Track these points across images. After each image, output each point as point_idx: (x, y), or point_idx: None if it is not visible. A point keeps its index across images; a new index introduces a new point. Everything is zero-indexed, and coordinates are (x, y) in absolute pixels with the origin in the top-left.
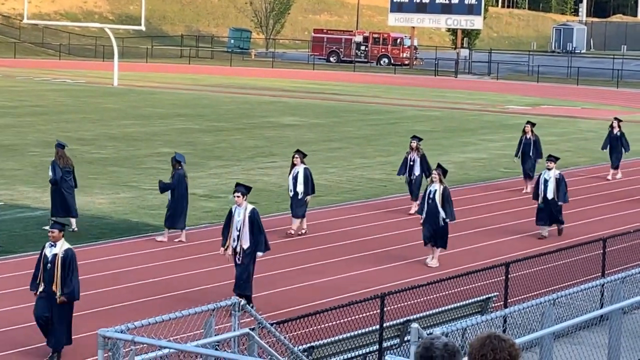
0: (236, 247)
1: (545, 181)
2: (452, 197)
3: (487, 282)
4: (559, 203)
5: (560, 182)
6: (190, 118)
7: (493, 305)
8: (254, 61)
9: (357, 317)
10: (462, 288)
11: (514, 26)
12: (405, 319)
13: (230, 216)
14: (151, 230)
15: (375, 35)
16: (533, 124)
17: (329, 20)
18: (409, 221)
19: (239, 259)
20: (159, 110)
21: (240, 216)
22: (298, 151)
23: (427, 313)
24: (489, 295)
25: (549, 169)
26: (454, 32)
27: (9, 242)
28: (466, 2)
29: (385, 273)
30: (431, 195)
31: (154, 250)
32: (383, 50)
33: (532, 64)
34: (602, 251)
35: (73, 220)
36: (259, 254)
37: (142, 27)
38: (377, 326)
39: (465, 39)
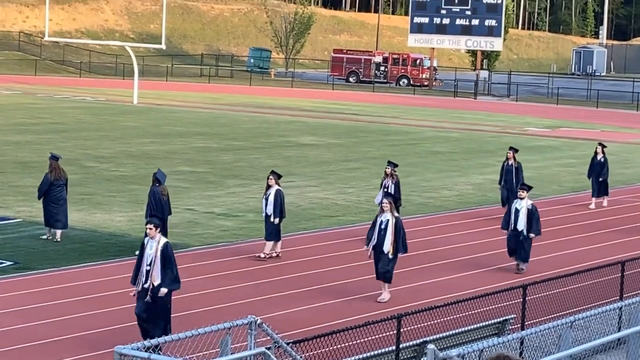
0: (146, 283)
1: (517, 211)
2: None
3: (505, 304)
4: (531, 235)
5: (532, 213)
6: (209, 137)
7: (510, 327)
8: (273, 80)
9: (373, 337)
10: (479, 310)
11: (534, 48)
12: (421, 340)
13: (142, 249)
14: None
15: (395, 56)
16: (516, 150)
17: (349, 40)
18: (426, 242)
19: (149, 297)
20: (178, 129)
21: (153, 249)
22: (273, 172)
23: (444, 334)
24: (506, 317)
25: (521, 199)
26: (473, 53)
27: (27, 259)
28: (486, 23)
29: (402, 294)
30: (382, 226)
31: None
32: (402, 70)
33: (552, 86)
34: (620, 274)
35: (58, 232)
36: (163, 289)
37: (163, 46)
38: (394, 347)
39: (484, 60)
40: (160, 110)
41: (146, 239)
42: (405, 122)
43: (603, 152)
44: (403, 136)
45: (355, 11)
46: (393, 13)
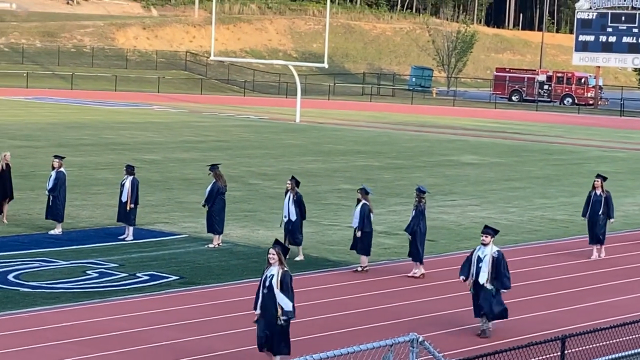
0: None
1: (479, 260)
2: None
3: None
4: (501, 290)
5: (498, 261)
6: (370, 155)
7: None
8: (435, 99)
9: (537, 359)
10: None
11: None
12: None
13: None
14: (330, 265)
15: (559, 75)
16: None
17: (512, 59)
18: (587, 264)
19: None
20: (339, 147)
21: None
22: (292, 177)
23: (610, 357)
24: None
25: (484, 244)
26: None
27: (192, 274)
28: None
29: (563, 315)
30: (267, 283)
31: (332, 286)
32: (567, 89)
33: None
34: None
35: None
36: None
37: (325, 65)
38: None
39: None
40: (322, 128)
41: None
42: (569, 142)
43: (602, 186)
44: (567, 155)
45: (518, 29)
46: (557, 31)
